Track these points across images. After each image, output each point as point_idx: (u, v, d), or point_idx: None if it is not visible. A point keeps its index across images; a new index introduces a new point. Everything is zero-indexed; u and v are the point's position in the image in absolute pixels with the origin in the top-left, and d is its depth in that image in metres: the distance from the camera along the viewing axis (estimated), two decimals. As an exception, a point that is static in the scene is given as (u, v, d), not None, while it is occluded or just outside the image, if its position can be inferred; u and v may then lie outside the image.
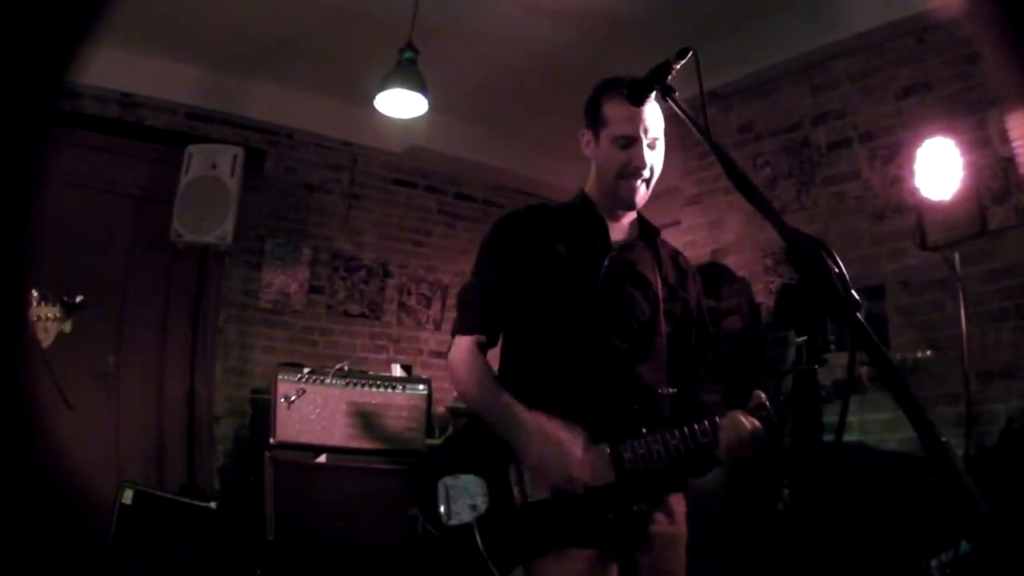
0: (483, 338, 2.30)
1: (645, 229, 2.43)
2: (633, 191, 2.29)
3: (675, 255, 2.45)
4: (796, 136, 4.98)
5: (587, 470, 2.03)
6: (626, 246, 2.35)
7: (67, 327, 3.14)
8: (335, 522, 4.29)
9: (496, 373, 2.28)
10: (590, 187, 2.41)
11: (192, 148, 5.07)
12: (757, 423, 2.04)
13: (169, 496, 4.31)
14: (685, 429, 2.06)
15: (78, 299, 3.16)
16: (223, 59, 5.38)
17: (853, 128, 4.72)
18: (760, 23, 4.71)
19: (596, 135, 2.34)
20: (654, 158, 2.29)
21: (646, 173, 2.28)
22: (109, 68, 4.95)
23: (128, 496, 4.08)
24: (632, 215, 2.42)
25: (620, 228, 2.39)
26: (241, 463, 5.20)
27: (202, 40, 5.15)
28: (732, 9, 4.58)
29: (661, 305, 2.29)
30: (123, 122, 5.42)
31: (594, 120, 2.34)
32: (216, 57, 5.36)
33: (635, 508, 2.07)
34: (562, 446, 2.04)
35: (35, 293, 3.03)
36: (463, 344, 2.29)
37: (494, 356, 2.35)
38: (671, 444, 2.05)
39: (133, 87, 5.41)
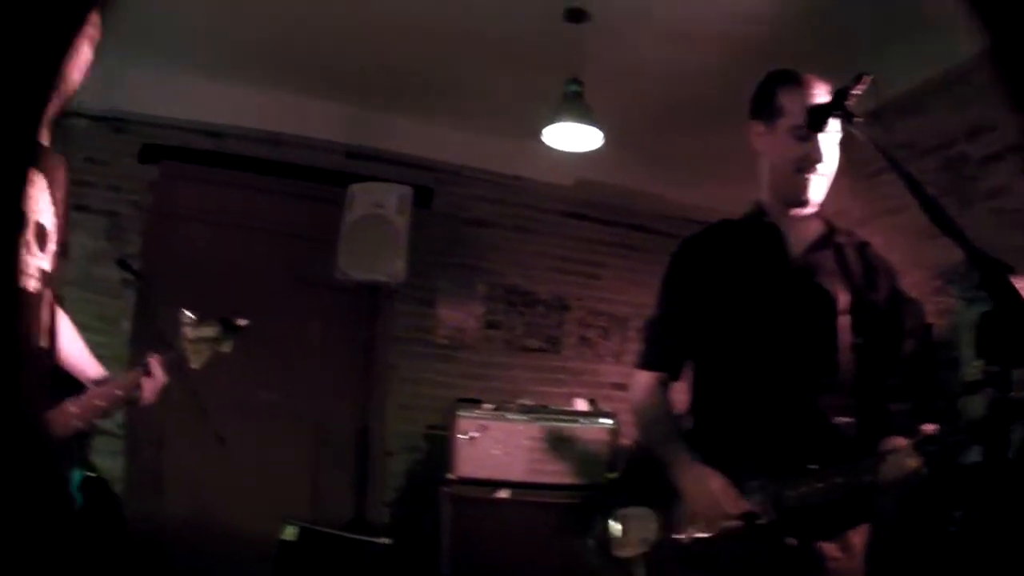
0: (663, 374, 2.27)
1: (828, 229, 2.26)
2: (810, 185, 2.16)
3: (862, 249, 2.27)
4: (953, 152, 4.79)
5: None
6: (804, 257, 2.21)
7: (225, 347, 3.00)
8: (514, 557, 4.27)
9: (679, 408, 2.27)
10: (763, 191, 2.28)
11: (355, 187, 5.02)
12: (922, 460, 1.89)
13: (337, 532, 4.19)
14: (849, 467, 1.96)
15: (241, 321, 3.06)
16: (378, 97, 5.44)
17: (1003, 140, 4.48)
18: (901, 41, 4.53)
19: (771, 126, 2.19)
20: (832, 153, 2.16)
21: (823, 168, 2.15)
22: (256, 108, 5.15)
23: (291, 533, 3.99)
24: (811, 214, 2.25)
25: (799, 234, 2.24)
26: (413, 498, 5.23)
27: (355, 78, 5.20)
28: (870, 30, 4.47)
29: (845, 318, 2.15)
30: (274, 161, 5.53)
31: (768, 111, 2.21)
32: (371, 95, 5.42)
33: (786, 541, 1.99)
34: (718, 498, 2.00)
35: (189, 315, 2.96)
36: (642, 380, 2.30)
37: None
38: (834, 482, 1.96)
39: (285, 127, 5.54)
